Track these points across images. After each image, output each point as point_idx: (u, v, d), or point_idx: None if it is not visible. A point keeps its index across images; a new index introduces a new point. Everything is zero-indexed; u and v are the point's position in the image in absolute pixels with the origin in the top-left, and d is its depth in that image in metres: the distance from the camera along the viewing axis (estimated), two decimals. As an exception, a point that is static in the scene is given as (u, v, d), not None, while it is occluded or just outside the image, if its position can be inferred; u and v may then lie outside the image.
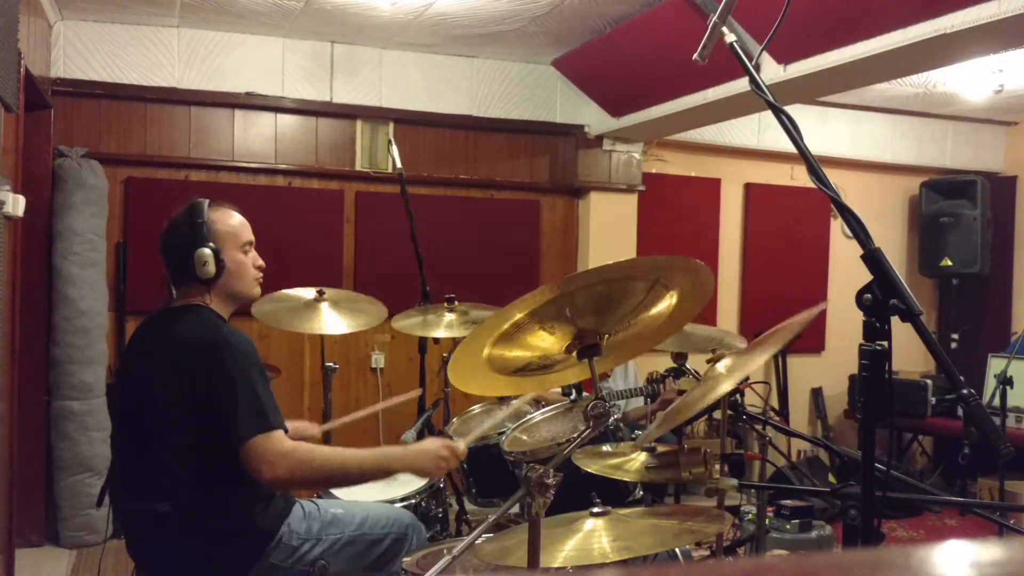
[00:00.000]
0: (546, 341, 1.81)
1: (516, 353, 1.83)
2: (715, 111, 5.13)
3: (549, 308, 1.72)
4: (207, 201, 2.36)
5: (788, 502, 4.07)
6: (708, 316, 5.88)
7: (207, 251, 2.28)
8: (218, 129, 5.20)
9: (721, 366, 2.00)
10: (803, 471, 5.54)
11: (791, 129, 1.66)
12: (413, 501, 2.90)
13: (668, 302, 1.84)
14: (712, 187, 6.41)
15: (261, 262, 2.45)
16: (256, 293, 2.46)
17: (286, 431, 2.23)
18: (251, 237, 2.43)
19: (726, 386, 1.94)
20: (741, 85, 4.36)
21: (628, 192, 5.97)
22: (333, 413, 3.49)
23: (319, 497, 2.88)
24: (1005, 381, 4.98)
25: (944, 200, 6.65)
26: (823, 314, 6.68)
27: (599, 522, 1.83)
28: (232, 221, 2.39)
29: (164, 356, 2.27)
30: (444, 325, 3.43)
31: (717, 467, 2.40)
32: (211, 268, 2.29)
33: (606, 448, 2.71)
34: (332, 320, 3.36)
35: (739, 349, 2.01)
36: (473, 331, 1.76)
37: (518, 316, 1.71)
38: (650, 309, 1.84)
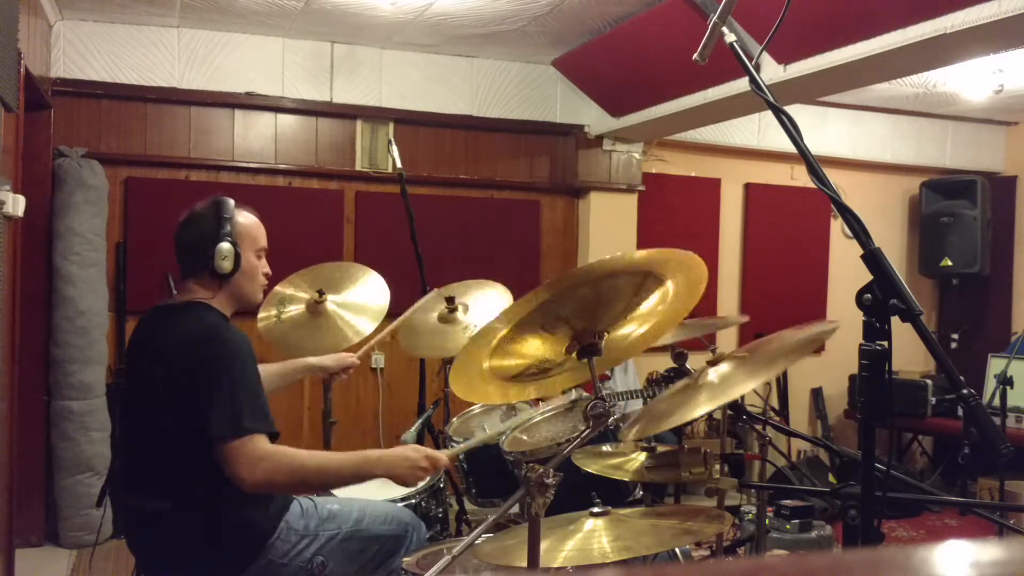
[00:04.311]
0: (545, 344, 1.81)
1: (516, 360, 1.83)
2: (715, 111, 5.13)
3: (540, 313, 1.72)
4: (233, 200, 2.40)
5: (788, 502, 4.07)
6: (708, 315, 5.87)
7: (229, 246, 2.31)
8: (218, 129, 5.20)
9: (714, 374, 1.98)
10: (803, 471, 5.54)
11: (791, 129, 1.66)
12: (413, 501, 2.90)
13: (662, 296, 1.84)
14: (712, 187, 6.41)
15: (269, 270, 2.49)
16: (260, 299, 2.50)
17: (275, 435, 2.21)
18: (266, 244, 2.48)
19: (705, 407, 1.92)
20: (741, 85, 4.36)
21: (628, 192, 5.97)
22: (333, 412, 3.49)
23: (318, 495, 2.88)
24: (1005, 381, 4.99)
25: (944, 200, 6.65)
26: (823, 313, 6.68)
27: (599, 522, 1.83)
28: (253, 224, 2.44)
29: (163, 353, 2.28)
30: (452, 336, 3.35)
31: (717, 467, 2.40)
32: (229, 264, 2.32)
33: (606, 448, 2.71)
34: (339, 322, 3.33)
35: (739, 356, 1.99)
36: (469, 341, 1.76)
37: (505, 330, 1.72)
38: (644, 304, 1.84)
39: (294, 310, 3.28)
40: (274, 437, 2.22)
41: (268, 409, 2.23)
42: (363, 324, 3.34)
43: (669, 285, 1.82)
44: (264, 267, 2.46)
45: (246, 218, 2.42)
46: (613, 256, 1.73)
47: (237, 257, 2.33)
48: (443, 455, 2.34)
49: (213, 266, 2.31)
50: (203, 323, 2.28)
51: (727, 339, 6.27)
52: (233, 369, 2.20)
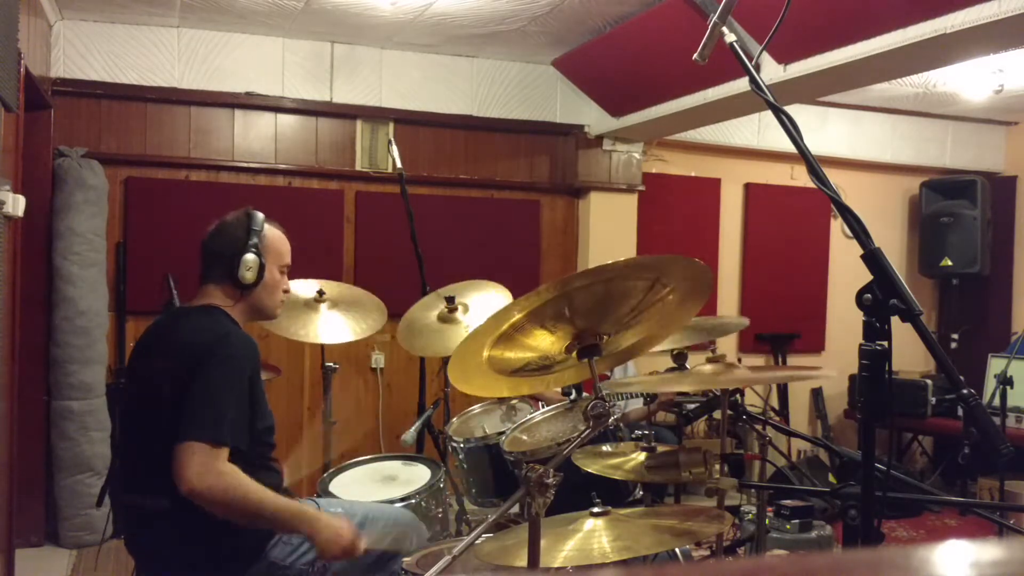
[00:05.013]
0: (546, 341, 1.81)
1: (516, 354, 1.83)
2: (715, 111, 5.13)
3: (548, 308, 1.72)
4: (263, 214, 2.44)
5: (788, 502, 4.07)
6: (708, 314, 5.87)
7: (255, 257, 2.35)
8: (218, 129, 5.20)
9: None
10: (803, 471, 5.53)
11: (791, 129, 1.66)
12: (413, 501, 2.90)
13: (667, 301, 1.84)
14: (712, 187, 6.41)
15: (288, 287, 2.52)
16: (277, 314, 2.52)
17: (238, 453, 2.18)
18: (290, 262, 2.51)
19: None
20: (741, 85, 4.36)
21: (628, 192, 5.97)
22: (333, 413, 3.50)
23: (318, 496, 2.88)
24: (1005, 381, 4.99)
25: (944, 200, 6.65)
26: (823, 312, 6.69)
27: (599, 522, 1.83)
28: (281, 240, 2.48)
29: (169, 354, 2.29)
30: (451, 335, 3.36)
31: (717, 467, 2.40)
32: (252, 275, 2.35)
33: (606, 448, 2.71)
34: (332, 325, 3.34)
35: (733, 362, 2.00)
36: (473, 331, 1.76)
37: (517, 316, 1.71)
38: (649, 309, 1.84)
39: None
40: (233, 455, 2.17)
41: (244, 426, 2.20)
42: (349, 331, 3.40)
43: (673, 293, 1.82)
44: (285, 284, 2.49)
45: (274, 233, 2.46)
46: (639, 257, 1.73)
47: (261, 269, 2.37)
48: (362, 544, 2.23)
49: (237, 275, 2.33)
50: (215, 325, 2.29)
51: (727, 340, 6.26)
52: (231, 378, 2.20)
